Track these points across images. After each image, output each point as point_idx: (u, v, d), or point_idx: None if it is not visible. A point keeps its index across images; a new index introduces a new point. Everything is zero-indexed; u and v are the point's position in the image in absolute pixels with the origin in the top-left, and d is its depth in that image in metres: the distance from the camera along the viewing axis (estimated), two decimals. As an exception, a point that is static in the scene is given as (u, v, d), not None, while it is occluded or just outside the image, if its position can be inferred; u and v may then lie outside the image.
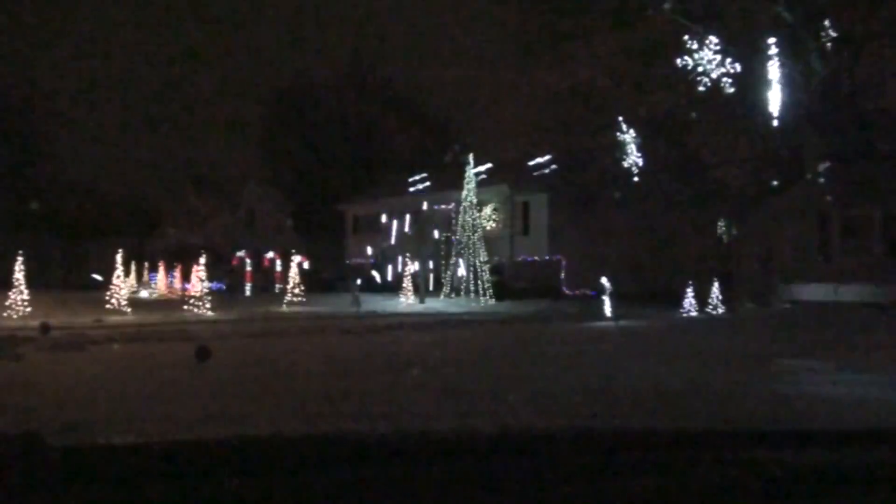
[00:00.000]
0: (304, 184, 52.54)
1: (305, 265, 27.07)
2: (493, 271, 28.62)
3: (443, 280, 29.53)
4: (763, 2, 24.62)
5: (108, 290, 20.11)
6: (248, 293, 31.08)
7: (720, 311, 21.99)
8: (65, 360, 10.52)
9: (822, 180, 24.05)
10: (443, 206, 33.96)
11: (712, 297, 22.15)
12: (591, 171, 29.55)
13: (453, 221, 30.26)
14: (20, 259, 18.36)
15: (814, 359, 10.80)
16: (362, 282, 29.53)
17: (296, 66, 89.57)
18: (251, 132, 59.04)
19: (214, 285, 38.82)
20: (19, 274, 18.14)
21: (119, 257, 20.60)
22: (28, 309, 17.78)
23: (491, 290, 27.16)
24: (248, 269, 33.18)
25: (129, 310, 19.35)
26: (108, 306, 19.63)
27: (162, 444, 1.46)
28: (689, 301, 21.82)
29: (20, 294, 17.99)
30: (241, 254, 32.97)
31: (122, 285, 20.91)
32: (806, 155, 25.35)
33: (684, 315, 21.31)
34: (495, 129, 76.67)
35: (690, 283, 22.10)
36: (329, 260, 41.85)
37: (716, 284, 22.35)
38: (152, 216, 50.81)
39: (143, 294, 31.48)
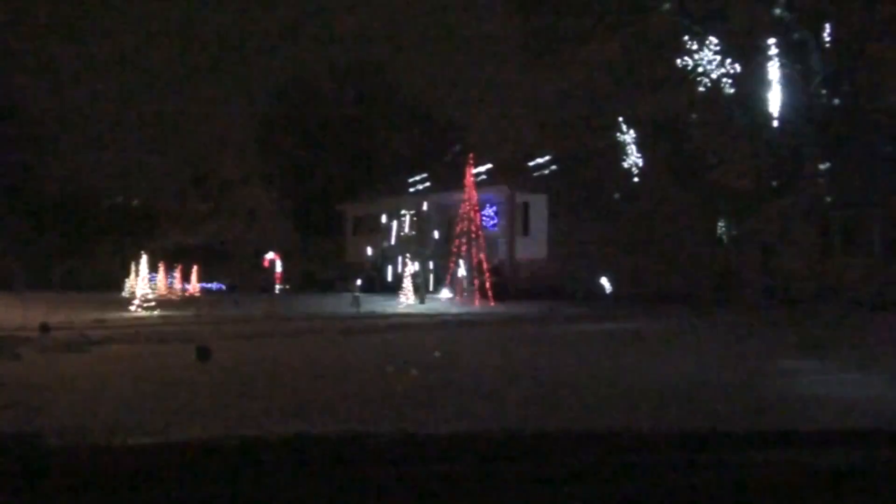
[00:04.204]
0: (304, 184, 52.50)
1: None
2: (493, 271, 28.60)
3: (443, 280, 29.52)
4: (763, 2, 24.61)
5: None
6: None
7: (719, 311, 21.98)
8: (65, 361, 10.52)
9: (821, 180, 24.04)
10: (443, 207, 33.95)
11: (711, 298, 22.16)
12: (591, 172, 29.54)
13: (453, 222, 30.25)
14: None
15: (814, 358, 10.80)
16: (362, 282, 29.51)
17: (296, 66, 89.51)
18: (251, 132, 58.96)
19: (215, 286, 38.91)
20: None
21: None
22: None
23: (491, 291, 27.14)
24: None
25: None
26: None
27: (162, 444, 1.46)
28: (689, 301, 21.82)
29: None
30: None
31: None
32: (806, 155, 25.34)
33: (684, 315, 21.31)
34: (496, 129, 76.67)
35: (692, 283, 22.10)
36: (329, 260, 41.86)
37: (716, 285, 22.36)
38: (152, 216, 50.80)
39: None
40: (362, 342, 13.96)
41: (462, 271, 28.20)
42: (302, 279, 36.93)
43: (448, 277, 28.81)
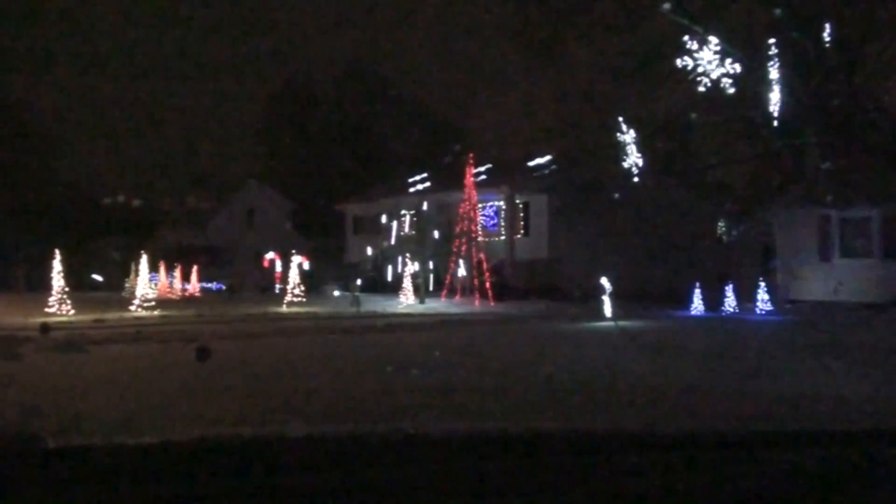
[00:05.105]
0: (304, 184, 52.51)
1: (306, 265, 27.06)
2: (493, 271, 28.60)
3: (443, 280, 29.51)
4: (763, 2, 24.59)
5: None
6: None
7: (720, 311, 21.97)
8: (65, 361, 10.52)
9: (822, 180, 24.04)
10: (443, 207, 33.93)
11: (711, 298, 22.13)
12: (591, 172, 29.52)
13: (453, 222, 30.24)
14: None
15: (814, 358, 10.80)
16: (362, 282, 29.50)
17: (296, 66, 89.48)
18: (251, 132, 59.04)
19: (216, 285, 38.89)
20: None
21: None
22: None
23: (491, 291, 27.14)
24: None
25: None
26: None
27: (162, 444, 1.46)
28: (689, 301, 21.82)
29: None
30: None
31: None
32: (806, 155, 25.34)
33: (684, 315, 21.32)
34: (495, 129, 76.63)
35: (692, 283, 22.09)
36: (329, 260, 41.82)
37: (715, 285, 22.34)
38: (152, 216, 50.81)
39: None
40: (362, 342, 13.95)
41: (462, 271, 28.19)
42: (302, 279, 36.95)
43: (448, 277, 28.79)
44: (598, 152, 29.52)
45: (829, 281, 23.75)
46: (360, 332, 15.46)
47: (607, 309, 18.32)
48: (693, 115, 28.44)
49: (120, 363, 10.52)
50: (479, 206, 29.87)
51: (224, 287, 37.34)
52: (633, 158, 25.97)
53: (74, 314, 18.45)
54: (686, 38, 24.35)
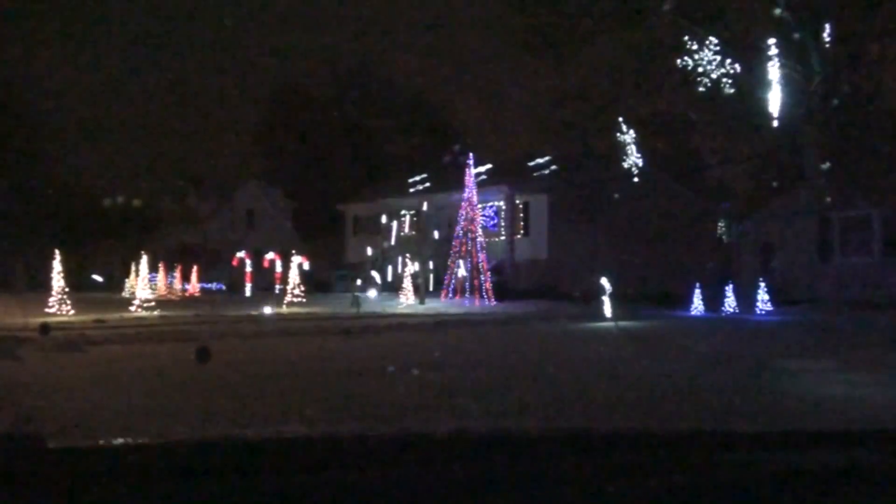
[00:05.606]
0: (304, 184, 52.50)
1: (305, 266, 27.11)
2: (493, 272, 28.60)
3: (443, 280, 29.52)
4: (763, 3, 24.60)
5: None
6: (248, 294, 31.16)
7: (720, 311, 21.96)
8: (65, 361, 10.52)
9: (822, 180, 24.05)
10: (443, 207, 33.95)
11: (711, 298, 22.13)
12: (591, 172, 29.54)
13: (454, 222, 30.24)
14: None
15: (813, 359, 10.80)
16: (362, 282, 29.53)
17: (296, 66, 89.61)
18: (251, 132, 59.06)
19: (216, 285, 38.91)
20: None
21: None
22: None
23: (491, 291, 27.15)
24: (248, 269, 33.22)
25: None
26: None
27: (162, 444, 1.46)
28: (689, 302, 21.81)
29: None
30: (241, 254, 33.15)
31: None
32: (806, 155, 25.34)
33: (684, 316, 21.31)
34: (495, 130, 76.73)
35: (692, 284, 22.09)
36: (329, 260, 41.83)
37: (715, 285, 22.34)
38: (151, 217, 50.77)
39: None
40: (362, 342, 13.95)
41: (462, 271, 28.20)
42: (302, 279, 37.05)
43: (448, 277, 28.79)
44: (598, 153, 29.56)
45: (829, 280, 23.76)
46: (360, 333, 15.45)
47: (607, 309, 18.32)
48: (693, 115, 28.47)
49: (120, 364, 10.51)
50: (479, 206, 29.88)
51: (224, 287, 37.35)
52: (633, 158, 26.01)
53: (74, 314, 18.44)
54: (686, 38, 24.41)
